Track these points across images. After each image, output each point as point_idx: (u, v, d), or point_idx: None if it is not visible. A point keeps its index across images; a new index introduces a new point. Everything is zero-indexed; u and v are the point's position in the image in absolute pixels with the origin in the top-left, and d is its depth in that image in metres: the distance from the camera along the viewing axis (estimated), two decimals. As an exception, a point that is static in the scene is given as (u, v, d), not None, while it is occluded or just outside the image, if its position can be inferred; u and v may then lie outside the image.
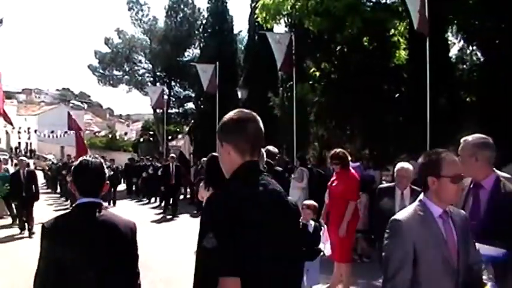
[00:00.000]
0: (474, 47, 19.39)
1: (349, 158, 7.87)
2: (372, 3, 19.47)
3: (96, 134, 78.74)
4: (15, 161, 25.79)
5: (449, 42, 20.70)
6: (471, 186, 3.67)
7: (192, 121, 35.18)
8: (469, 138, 4.23)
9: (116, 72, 42.14)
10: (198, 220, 2.73)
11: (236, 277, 2.09)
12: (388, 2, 19.54)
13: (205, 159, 13.35)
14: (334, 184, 7.83)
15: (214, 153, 8.38)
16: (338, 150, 7.80)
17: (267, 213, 2.25)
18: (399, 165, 6.67)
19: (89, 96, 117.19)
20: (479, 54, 19.18)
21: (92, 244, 3.03)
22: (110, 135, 63.94)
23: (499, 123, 13.95)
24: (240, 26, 42.84)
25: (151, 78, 41.64)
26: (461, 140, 4.21)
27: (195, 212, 18.71)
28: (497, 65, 14.74)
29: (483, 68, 16.31)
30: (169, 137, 43.08)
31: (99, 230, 3.09)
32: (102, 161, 3.35)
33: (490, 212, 3.46)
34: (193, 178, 21.46)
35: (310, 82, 19.18)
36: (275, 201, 2.37)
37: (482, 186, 3.44)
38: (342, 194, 7.62)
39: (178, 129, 43.99)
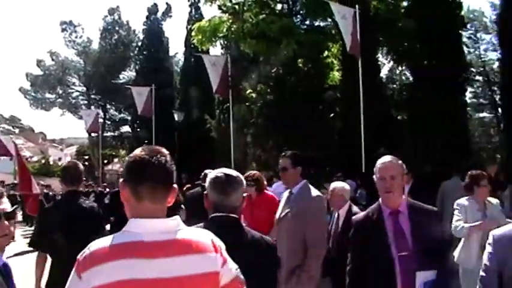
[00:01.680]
0: (403, 68, 20.09)
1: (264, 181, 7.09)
2: (306, 26, 19.91)
3: (28, 159, 76.21)
4: None
5: (379, 63, 21.42)
6: (385, 214, 3.41)
7: (128, 145, 34.68)
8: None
9: (48, 95, 41.01)
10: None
11: None
12: (321, 24, 20.01)
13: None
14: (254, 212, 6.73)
15: None
16: (253, 172, 7.06)
17: None
18: (332, 185, 6.32)
19: (20, 120, 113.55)
20: (408, 73, 19.80)
21: None
22: (43, 161, 62.00)
23: (429, 138, 14.49)
24: (176, 48, 43.40)
25: (86, 101, 40.75)
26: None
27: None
28: (425, 84, 15.31)
29: (413, 87, 16.85)
30: (105, 161, 42.25)
31: None
32: None
33: (417, 236, 3.49)
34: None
35: (247, 104, 19.30)
36: None
37: (400, 212, 3.46)
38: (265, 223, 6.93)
39: (114, 153, 43.20)
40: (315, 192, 4.67)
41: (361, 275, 3.42)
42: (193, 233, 1.96)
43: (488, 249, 2.76)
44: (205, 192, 2.92)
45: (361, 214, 3.64)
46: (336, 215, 6.07)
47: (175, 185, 1.99)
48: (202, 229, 2.11)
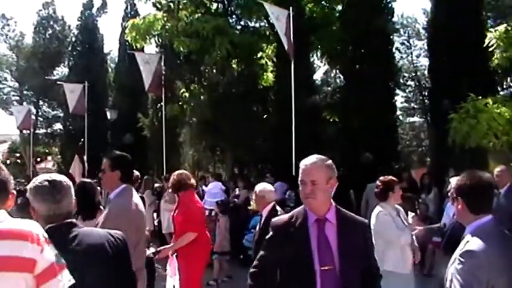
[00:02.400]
0: (337, 71, 20.38)
1: (190, 182, 6.83)
2: (241, 26, 19.87)
3: (-43, 157, 73.20)
4: None
5: (315, 66, 21.66)
6: (310, 221, 3.10)
7: (60, 142, 33.79)
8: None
9: (-22, 90, 39.55)
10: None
11: None
12: (256, 25, 20.03)
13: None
14: (176, 213, 6.91)
15: (84, 180, 7.93)
16: (176, 173, 6.99)
17: None
18: (256, 187, 6.44)
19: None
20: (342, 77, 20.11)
21: None
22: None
23: (359, 141, 14.75)
24: (111, 45, 42.55)
25: (18, 97, 39.46)
26: None
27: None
28: (357, 88, 15.57)
29: (345, 90, 17.11)
30: (39, 159, 41.00)
31: None
32: None
33: (344, 250, 3.18)
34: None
35: (180, 103, 19.11)
36: None
37: (327, 220, 3.07)
38: (182, 224, 6.74)
39: (47, 151, 41.99)
40: (131, 200, 4.41)
41: (269, 282, 3.13)
42: (15, 224, 2.28)
43: (464, 265, 2.74)
44: (32, 205, 2.70)
45: (283, 216, 3.31)
46: (260, 215, 6.21)
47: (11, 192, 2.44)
48: (29, 221, 2.35)
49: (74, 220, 2.75)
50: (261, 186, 6.34)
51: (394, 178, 5.84)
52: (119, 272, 2.77)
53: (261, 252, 3.23)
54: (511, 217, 6.79)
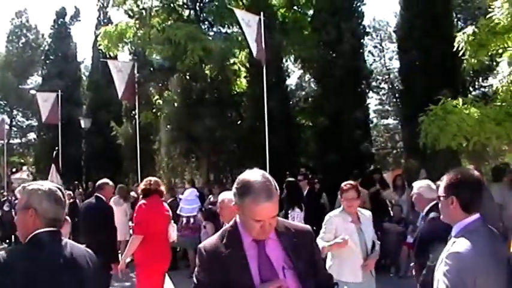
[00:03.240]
0: (311, 75, 20.49)
1: (155, 188, 6.83)
2: (213, 33, 19.91)
3: None
4: None
5: (289, 70, 21.77)
6: (246, 241, 2.66)
7: (34, 152, 33.47)
8: None
9: (-49, 101, 39.01)
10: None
11: None
12: (229, 31, 20.09)
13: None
14: None
15: None
16: (145, 180, 7.08)
17: None
18: (221, 195, 5.74)
19: None
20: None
21: None
22: None
23: (334, 145, 14.85)
24: (85, 53, 42.35)
25: (-9, 107, 39.08)
26: None
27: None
28: (329, 92, 15.70)
29: (317, 95, 17.23)
30: (14, 169, 40.56)
31: None
32: None
33: (291, 266, 2.75)
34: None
35: (154, 110, 19.07)
36: None
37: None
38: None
39: (22, 161, 41.54)
40: None
41: None
42: None
43: (451, 267, 2.73)
44: (33, 206, 2.76)
45: (211, 240, 2.75)
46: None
47: None
48: None
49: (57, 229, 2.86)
50: (229, 195, 5.74)
51: (351, 183, 5.72)
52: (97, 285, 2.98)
53: (196, 280, 2.67)
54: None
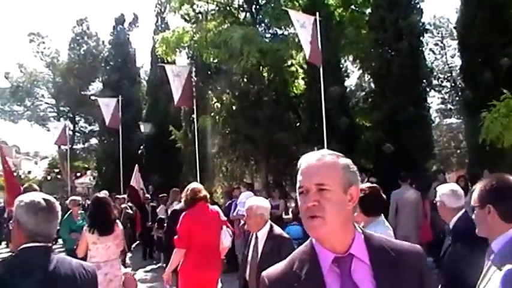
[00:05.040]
0: (368, 75, 20.09)
1: (200, 195, 6.55)
2: (270, 35, 19.80)
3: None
4: None
5: (348, 71, 21.42)
6: (324, 264, 1.89)
7: (95, 157, 34.25)
8: None
9: (16, 108, 40.26)
10: None
11: None
12: (285, 33, 19.92)
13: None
14: None
15: (98, 195, 8.02)
16: (187, 188, 6.76)
17: None
18: (248, 202, 5.33)
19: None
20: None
21: None
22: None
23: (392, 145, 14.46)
24: (144, 58, 43.09)
25: (55, 114, 40.08)
26: None
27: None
28: (388, 91, 15.32)
29: (376, 94, 16.84)
30: (78, 174, 41.64)
31: None
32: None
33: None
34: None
35: (212, 114, 19.11)
36: None
37: (354, 257, 1.93)
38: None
39: (86, 166, 42.60)
40: None
41: None
42: None
43: None
44: (17, 218, 2.71)
45: (279, 266, 2.01)
46: (254, 237, 5.15)
47: None
48: None
49: (50, 244, 2.76)
50: (257, 202, 5.28)
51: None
52: None
53: None
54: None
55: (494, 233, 2.66)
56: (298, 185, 1.92)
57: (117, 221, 7.40)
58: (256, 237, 5.11)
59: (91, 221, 7.19)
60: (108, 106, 23.39)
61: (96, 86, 38.50)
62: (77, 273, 2.75)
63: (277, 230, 5.16)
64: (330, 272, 1.86)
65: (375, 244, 1.92)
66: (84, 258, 6.50)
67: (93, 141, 39.27)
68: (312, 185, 1.85)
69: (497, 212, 2.63)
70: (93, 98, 28.18)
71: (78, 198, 12.15)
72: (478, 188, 2.79)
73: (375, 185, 4.52)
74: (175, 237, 6.41)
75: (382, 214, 4.38)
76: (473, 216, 2.88)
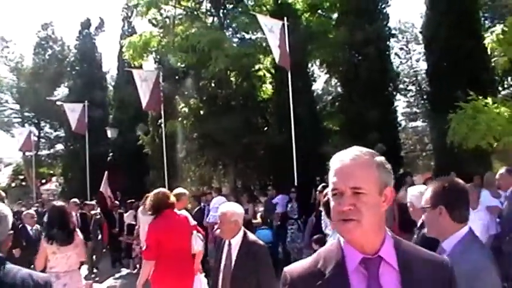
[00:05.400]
0: (336, 79, 20.27)
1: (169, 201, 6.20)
2: (237, 39, 19.83)
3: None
4: None
5: (315, 75, 21.57)
6: (351, 264, 1.83)
7: (61, 163, 33.72)
8: None
9: (-21, 114, 39.51)
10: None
11: None
12: (253, 37, 19.98)
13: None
14: None
15: (55, 203, 7.78)
16: (152, 193, 6.38)
17: None
18: (222, 208, 5.08)
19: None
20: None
21: None
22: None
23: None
24: (110, 63, 42.54)
25: (19, 119, 39.42)
26: None
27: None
28: (355, 95, 15.48)
29: (344, 98, 17.00)
30: (44, 181, 40.92)
31: None
32: None
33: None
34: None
35: (180, 119, 19.03)
36: None
37: (382, 260, 1.84)
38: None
39: (52, 172, 41.89)
40: None
41: None
42: None
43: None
44: None
45: (302, 263, 1.97)
46: (227, 243, 4.94)
47: None
48: None
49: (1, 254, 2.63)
50: (231, 207, 5.01)
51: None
52: None
53: None
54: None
55: (446, 233, 2.70)
56: (331, 186, 1.83)
57: (77, 229, 7.08)
58: (230, 245, 4.89)
59: (48, 230, 6.77)
60: (74, 111, 23.15)
61: (62, 91, 37.90)
62: (23, 283, 2.60)
63: (252, 236, 4.98)
64: (355, 273, 1.81)
65: (404, 250, 1.86)
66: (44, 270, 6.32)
67: (59, 147, 38.60)
68: (347, 188, 1.77)
69: (449, 213, 2.69)
70: (58, 103, 27.74)
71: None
72: (429, 190, 2.83)
73: None
74: (143, 248, 6.14)
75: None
76: (423, 217, 2.91)
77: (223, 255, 4.91)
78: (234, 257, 4.77)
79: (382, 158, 1.88)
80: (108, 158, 26.86)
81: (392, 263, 1.80)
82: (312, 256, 1.95)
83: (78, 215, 13.52)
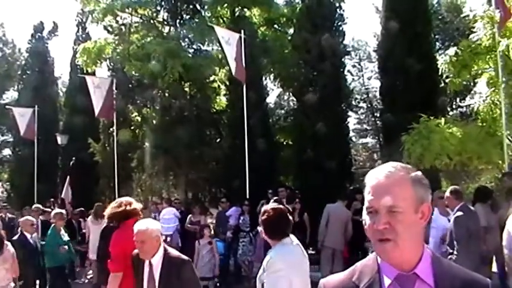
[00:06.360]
0: (290, 94, 20.49)
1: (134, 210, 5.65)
2: (192, 50, 19.80)
3: None
4: None
5: (268, 89, 21.74)
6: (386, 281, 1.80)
7: (8, 169, 32.81)
8: None
9: None
10: None
11: None
12: (208, 49, 20.03)
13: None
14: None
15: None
16: (115, 202, 5.84)
17: None
18: (138, 225, 4.69)
19: None
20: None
21: None
22: None
23: (311, 164, 14.78)
24: (62, 68, 41.72)
25: (-35, 123, 38.24)
26: None
27: None
28: (309, 110, 15.66)
29: (298, 113, 17.16)
30: (-12, 186, 39.73)
31: None
32: None
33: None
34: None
35: (132, 128, 18.85)
36: None
37: (417, 277, 1.77)
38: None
39: (-3, 177, 40.68)
40: None
41: None
42: None
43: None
44: None
45: (339, 276, 1.95)
46: (147, 264, 4.54)
47: None
48: None
49: None
50: (148, 224, 4.59)
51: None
52: None
53: None
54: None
55: None
56: (366, 204, 1.77)
57: (7, 242, 6.58)
58: (150, 265, 4.51)
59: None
60: (23, 116, 22.58)
61: (11, 94, 36.96)
62: None
63: (174, 252, 4.67)
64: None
65: (442, 268, 1.79)
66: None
67: (6, 152, 37.58)
68: (381, 206, 1.72)
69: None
70: (7, 107, 27.03)
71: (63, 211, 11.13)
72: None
73: (279, 206, 4.33)
74: (109, 260, 5.56)
75: (291, 234, 4.08)
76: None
77: (145, 278, 4.53)
78: (156, 278, 4.44)
79: (418, 173, 1.82)
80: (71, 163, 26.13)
81: (428, 281, 1.74)
82: (349, 269, 1.91)
83: (39, 222, 13.03)
